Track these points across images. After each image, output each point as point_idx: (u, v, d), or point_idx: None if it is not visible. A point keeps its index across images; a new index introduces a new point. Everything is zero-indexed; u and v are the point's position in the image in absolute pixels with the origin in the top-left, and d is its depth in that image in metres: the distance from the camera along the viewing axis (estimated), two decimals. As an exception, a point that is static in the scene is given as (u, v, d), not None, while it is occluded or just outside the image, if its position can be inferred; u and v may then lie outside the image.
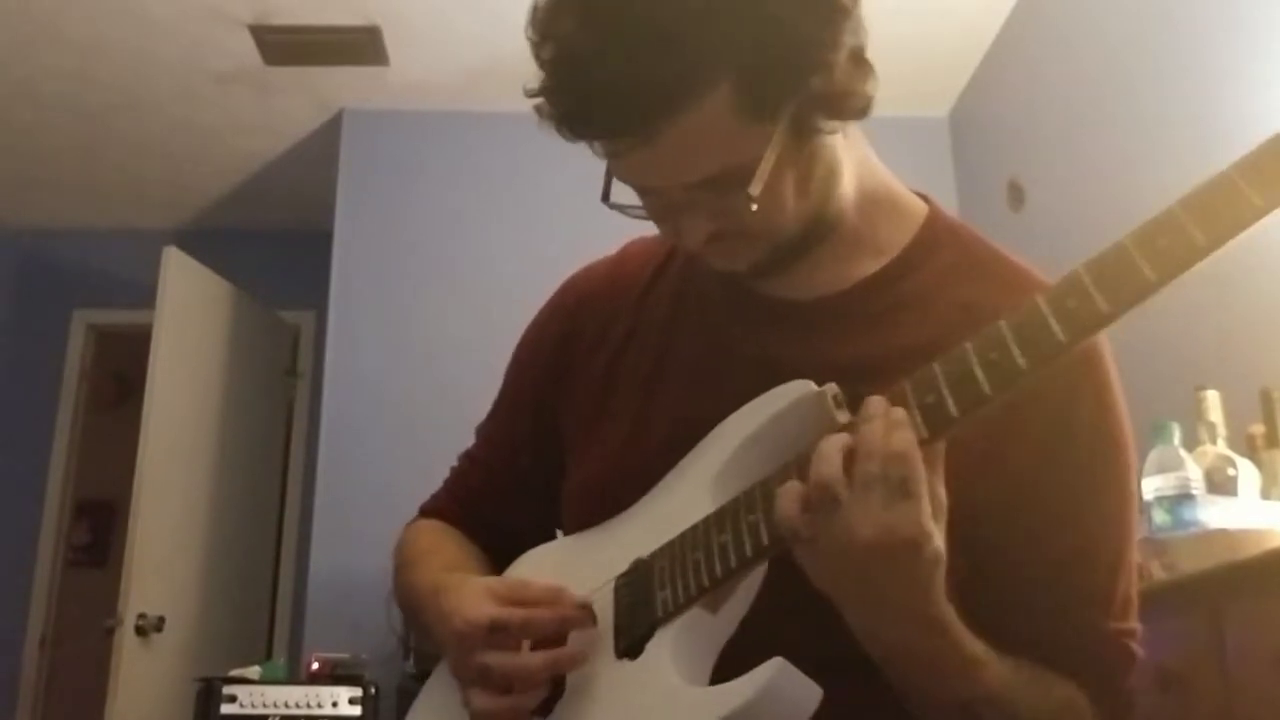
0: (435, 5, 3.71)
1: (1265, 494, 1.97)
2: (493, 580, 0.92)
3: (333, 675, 3.46)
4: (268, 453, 4.83)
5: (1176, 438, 1.96)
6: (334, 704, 3.38)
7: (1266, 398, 2.06)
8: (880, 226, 0.94)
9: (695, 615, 0.78)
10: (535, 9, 0.83)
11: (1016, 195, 3.67)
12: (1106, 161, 3.07)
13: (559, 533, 1.13)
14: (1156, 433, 1.97)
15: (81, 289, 5.14)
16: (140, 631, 3.81)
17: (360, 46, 3.92)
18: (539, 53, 0.82)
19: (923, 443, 0.70)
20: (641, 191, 0.88)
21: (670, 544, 0.82)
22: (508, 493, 1.10)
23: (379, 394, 3.99)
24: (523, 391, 1.10)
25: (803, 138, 0.83)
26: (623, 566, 0.86)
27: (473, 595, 0.88)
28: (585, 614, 0.84)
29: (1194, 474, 1.91)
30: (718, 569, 0.76)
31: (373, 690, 3.42)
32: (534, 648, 0.86)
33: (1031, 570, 0.84)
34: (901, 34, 3.84)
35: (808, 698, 0.70)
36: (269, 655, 4.36)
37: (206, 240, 4.86)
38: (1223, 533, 1.79)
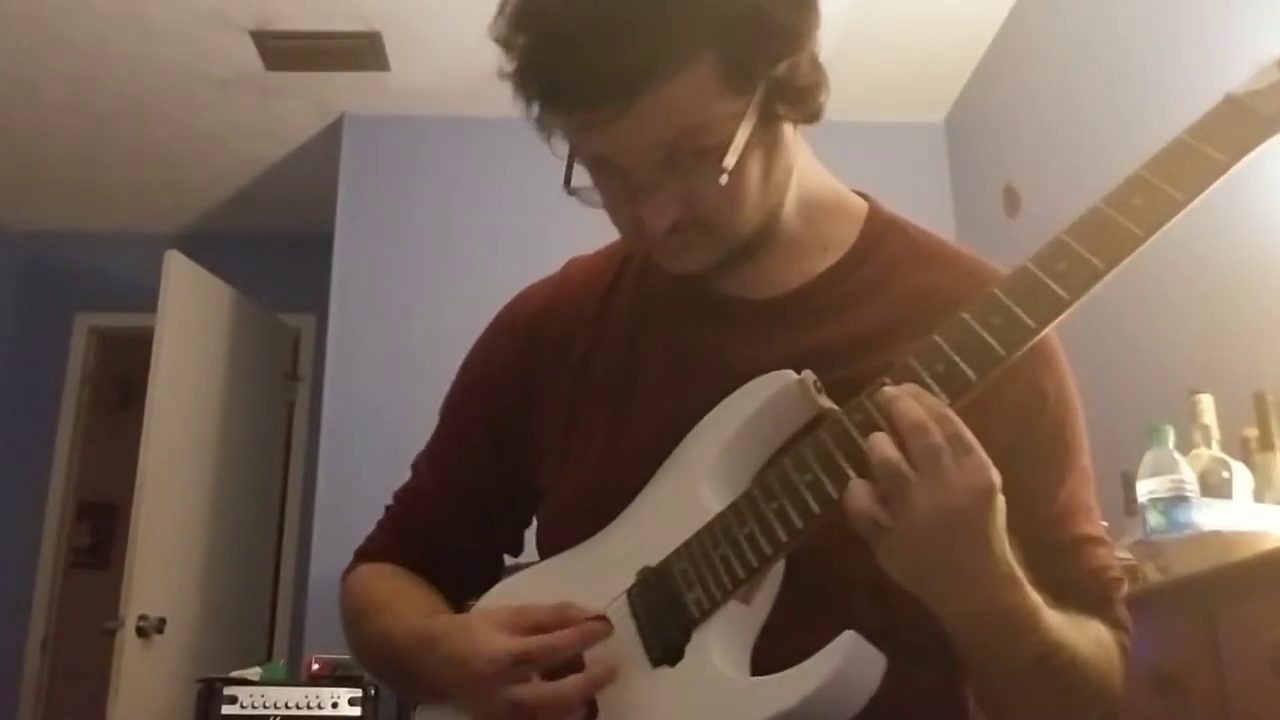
0: (436, 11, 3.73)
1: (1259, 496, 1.98)
2: (495, 611, 0.89)
3: (333, 676, 3.46)
4: (268, 455, 4.84)
5: (1171, 441, 1.96)
6: (334, 704, 3.39)
7: (1260, 401, 2.06)
8: (826, 225, 0.98)
9: (732, 609, 0.79)
10: (504, 4, 0.86)
11: (1012, 200, 3.68)
12: (1102, 166, 3.07)
13: (506, 558, 1.12)
14: (1151, 436, 1.98)
15: (84, 292, 5.15)
16: (141, 633, 3.82)
17: (361, 52, 3.94)
18: (513, 39, 0.85)
19: None
20: (606, 173, 0.89)
21: (685, 546, 0.82)
22: (468, 526, 1.08)
23: (379, 397, 4.00)
24: (479, 420, 1.07)
25: (769, 124, 0.86)
26: (627, 579, 0.85)
27: (483, 632, 0.85)
28: (605, 625, 0.83)
29: (1188, 477, 1.91)
30: (751, 559, 0.77)
31: (373, 691, 3.42)
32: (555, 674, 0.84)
33: (1034, 530, 0.85)
34: (898, 40, 3.86)
35: (877, 667, 0.72)
36: (269, 656, 4.36)
37: (208, 244, 4.88)
38: (1217, 535, 1.79)
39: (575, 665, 0.83)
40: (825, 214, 0.99)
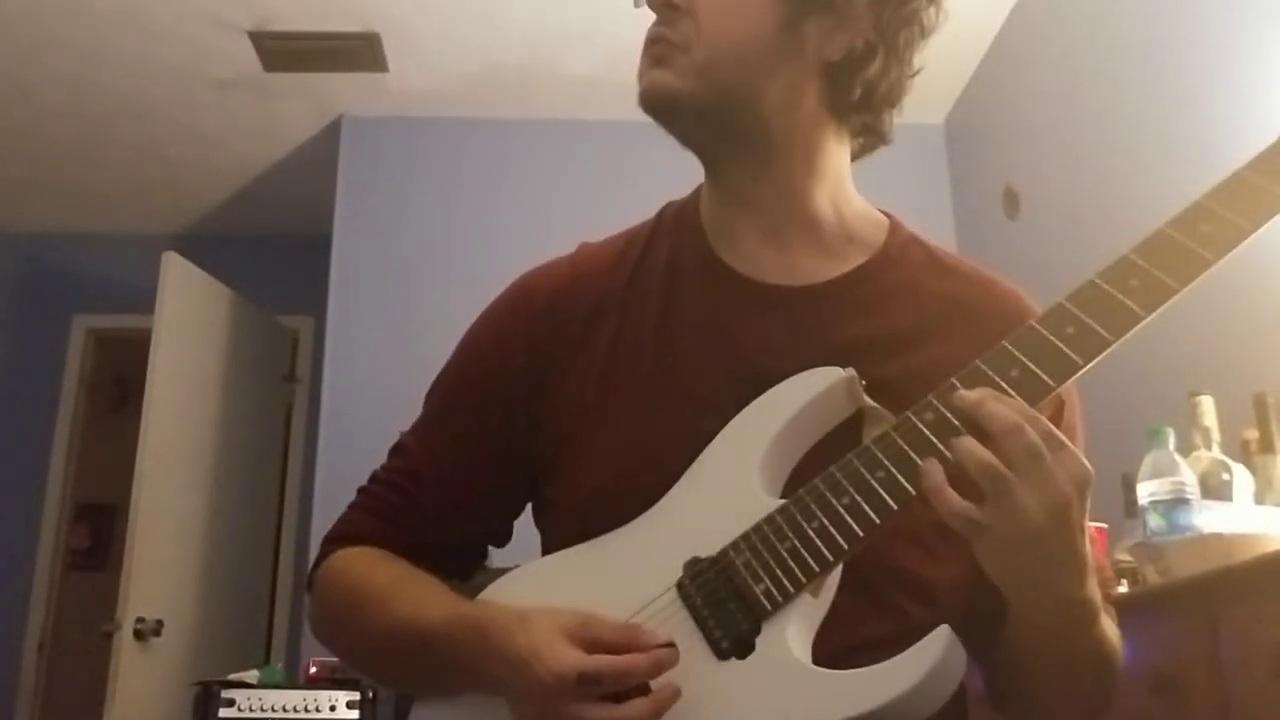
0: (434, 13, 3.73)
1: (1259, 499, 1.97)
2: (559, 614, 0.83)
3: (331, 679, 3.45)
4: (266, 457, 4.83)
5: (1171, 443, 1.96)
6: (332, 708, 3.38)
7: (1260, 403, 2.06)
8: (858, 227, 1.02)
9: (803, 602, 0.80)
10: None
11: (1012, 202, 3.68)
12: (1102, 168, 3.08)
13: (490, 550, 1.08)
14: (1151, 438, 1.97)
15: (82, 293, 5.15)
16: (139, 635, 3.81)
17: (359, 53, 3.94)
18: None
19: None
20: None
21: (745, 538, 0.82)
22: (467, 512, 1.04)
23: (377, 399, 3.97)
24: (487, 401, 1.03)
25: (793, 13, 0.93)
26: (671, 570, 0.84)
27: (549, 638, 0.81)
28: (674, 653, 0.81)
29: (1188, 479, 1.91)
30: (826, 554, 0.79)
31: (370, 694, 3.41)
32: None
33: None
34: (899, 41, 3.85)
35: (963, 661, 0.74)
36: (267, 659, 4.35)
37: (206, 245, 4.87)
38: (1217, 537, 1.79)
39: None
40: (856, 216, 1.02)
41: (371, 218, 4.26)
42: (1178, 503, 1.88)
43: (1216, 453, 2.03)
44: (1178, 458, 1.94)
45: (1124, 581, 1.98)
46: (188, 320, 4.29)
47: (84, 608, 4.88)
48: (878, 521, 0.77)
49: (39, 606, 4.80)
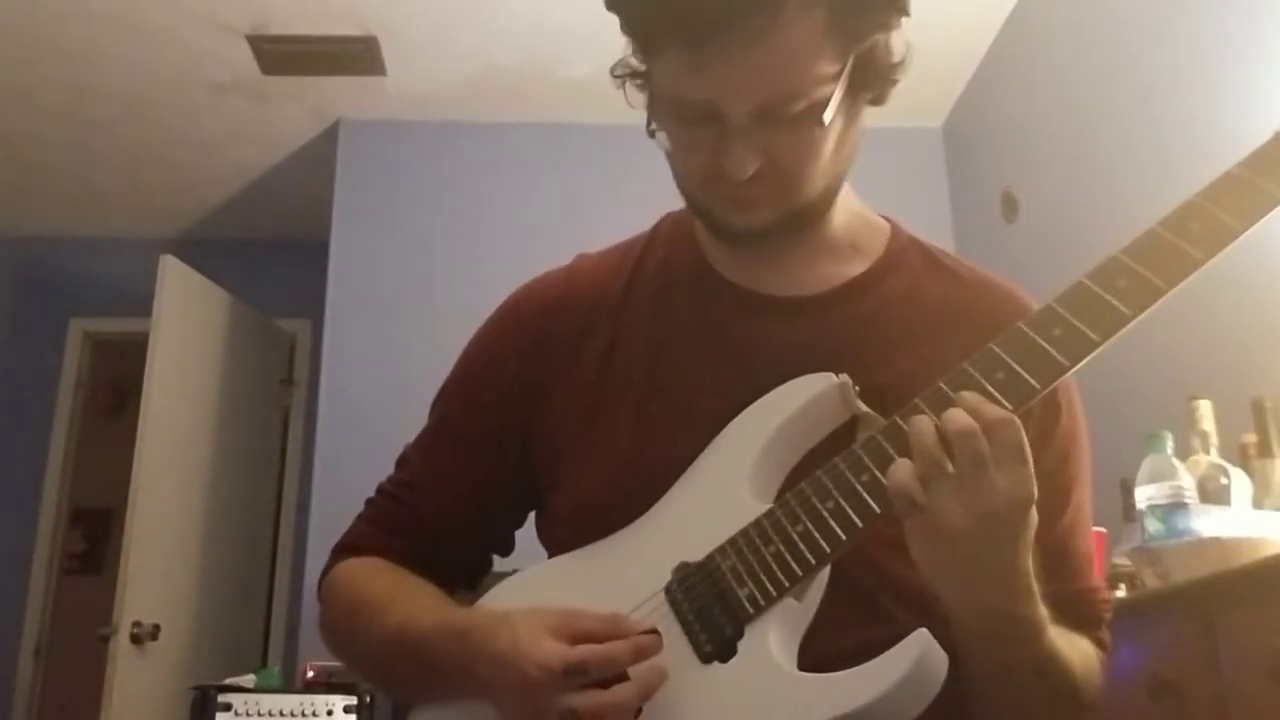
0: (432, 17, 3.72)
1: (1258, 503, 1.97)
2: (541, 613, 0.85)
3: (328, 683, 3.44)
4: (264, 461, 4.82)
5: (1169, 447, 1.96)
6: (329, 712, 3.37)
7: (1258, 407, 2.06)
8: (860, 234, 1.03)
9: (786, 605, 0.80)
10: None
11: (1010, 206, 3.68)
12: (1100, 172, 3.08)
13: (494, 558, 1.10)
14: (1149, 442, 1.97)
15: (79, 297, 5.13)
16: (135, 640, 3.80)
17: (357, 56, 3.93)
18: None
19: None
20: (695, 120, 0.89)
21: (731, 543, 0.83)
22: (465, 523, 1.05)
23: (375, 403, 3.98)
24: (484, 415, 1.04)
25: (853, 96, 0.90)
26: (661, 576, 0.85)
27: (532, 635, 0.82)
28: (657, 639, 0.82)
29: (1187, 483, 1.91)
30: (809, 557, 0.79)
31: (368, 699, 3.40)
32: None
33: (1042, 543, 0.87)
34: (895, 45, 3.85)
35: (944, 666, 0.73)
36: (264, 663, 4.34)
37: (204, 249, 4.86)
38: (1216, 541, 1.78)
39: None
40: (859, 222, 1.04)
41: (369, 221, 4.25)
42: (1176, 507, 1.88)
43: (1215, 457, 2.03)
44: (1176, 462, 1.94)
45: (1122, 586, 1.97)
46: (185, 324, 4.28)
47: (80, 612, 4.86)
48: (860, 525, 0.77)
49: (35, 611, 4.78)
